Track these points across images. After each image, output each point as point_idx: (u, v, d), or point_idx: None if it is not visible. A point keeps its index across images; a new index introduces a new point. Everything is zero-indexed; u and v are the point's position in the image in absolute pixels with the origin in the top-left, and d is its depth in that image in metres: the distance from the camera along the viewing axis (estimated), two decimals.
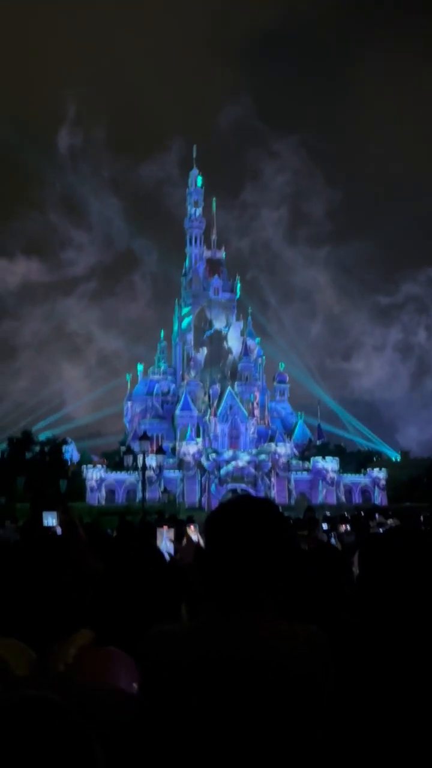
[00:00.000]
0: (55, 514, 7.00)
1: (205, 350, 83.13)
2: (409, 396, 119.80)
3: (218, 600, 1.84)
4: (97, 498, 69.17)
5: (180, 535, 9.46)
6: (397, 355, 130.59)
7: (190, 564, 5.78)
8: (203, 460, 73.98)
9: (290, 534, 1.99)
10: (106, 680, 1.90)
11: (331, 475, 75.80)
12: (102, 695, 1.68)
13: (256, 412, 78.64)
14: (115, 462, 72.00)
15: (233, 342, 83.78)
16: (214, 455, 74.66)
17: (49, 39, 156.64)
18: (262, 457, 75.37)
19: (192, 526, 10.80)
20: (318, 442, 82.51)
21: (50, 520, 7.06)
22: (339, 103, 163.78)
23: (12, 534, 13.57)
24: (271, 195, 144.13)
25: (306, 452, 79.62)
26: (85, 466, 72.84)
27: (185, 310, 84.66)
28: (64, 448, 73.68)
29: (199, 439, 75.07)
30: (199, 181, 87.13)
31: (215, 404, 77.68)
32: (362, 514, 19.45)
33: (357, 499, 75.15)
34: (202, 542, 8.40)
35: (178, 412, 78.20)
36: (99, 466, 73.15)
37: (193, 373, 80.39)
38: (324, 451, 79.66)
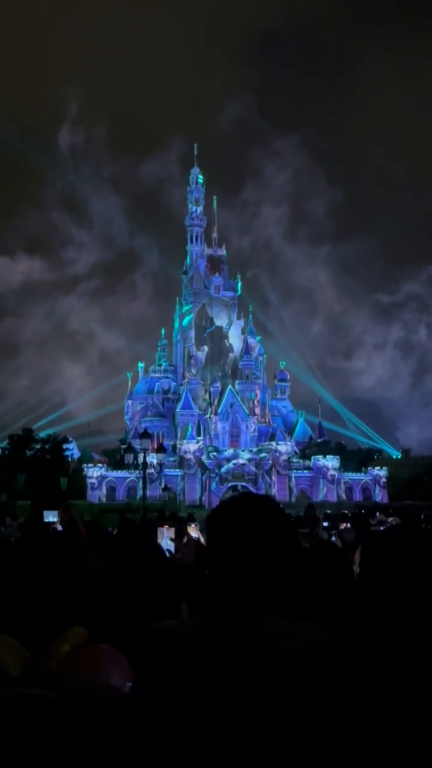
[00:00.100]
0: (56, 512, 7.02)
1: (206, 348, 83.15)
2: (410, 394, 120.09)
3: (219, 597, 1.83)
4: (97, 496, 69.25)
5: (180, 534, 9.46)
6: (398, 353, 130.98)
7: (191, 563, 5.79)
8: (204, 458, 74.00)
9: (291, 531, 1.99)
10: (99, 678, 1.90)
11: (332, 473, 75.78)
12: (94, 693, 1.68)
13: (257, 410, 78.61)
14: (115, 460, 72.08)
15: (234, 340, 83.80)
16: (214, 453, 74.67)
17: (49, 39, 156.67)
18: (263, 455, 75.37)
19: (192, 525, 10.82)
20: (319, 440, 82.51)
21: (51, 517, 7.08)
22: (339, 103, 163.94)
23: (13, 532, 13.58)
24: (272, 193, 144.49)
25: (307, 450, 79.64)
26: (85, 464, 72.90)
27: (186, 308, 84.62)
28: (65, 445, 73.83)
29: (200, 437, 75.11)
30: (200, 179, 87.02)
31: (216, 402, 77.67)
32: (363, 512, 19.41)
33: (358, 497, 75.19)
34: (202, 540, 8.41)
35: (178, 410, 78.19)
36: (100, 464, 73.22)
37: (194, 371, 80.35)
38: (325, 449, 79.67)
